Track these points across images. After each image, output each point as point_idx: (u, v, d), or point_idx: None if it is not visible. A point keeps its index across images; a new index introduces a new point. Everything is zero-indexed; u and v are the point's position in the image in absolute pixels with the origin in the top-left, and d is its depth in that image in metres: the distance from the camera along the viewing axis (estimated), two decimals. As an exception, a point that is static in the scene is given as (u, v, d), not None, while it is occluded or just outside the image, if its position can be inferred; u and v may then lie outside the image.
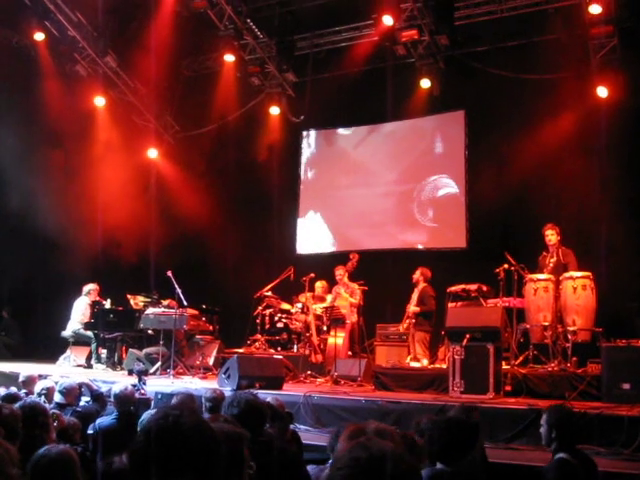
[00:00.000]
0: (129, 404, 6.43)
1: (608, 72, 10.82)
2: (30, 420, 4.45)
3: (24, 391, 6.86)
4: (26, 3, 12.60)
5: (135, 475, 1.94)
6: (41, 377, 7.72)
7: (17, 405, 4.69)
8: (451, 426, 4.00)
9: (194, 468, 1.91)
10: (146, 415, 4.22)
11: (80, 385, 7.12)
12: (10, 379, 8.86)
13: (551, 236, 9.59)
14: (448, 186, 12.98)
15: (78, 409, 6.55)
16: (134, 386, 7.40)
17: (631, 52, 10.71)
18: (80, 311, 12.19)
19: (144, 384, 8.40)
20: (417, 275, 10.94)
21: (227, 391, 6.91)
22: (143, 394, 7.92)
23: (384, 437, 2.42)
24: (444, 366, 9.38)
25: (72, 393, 6.66)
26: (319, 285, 11.68)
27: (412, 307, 10.75)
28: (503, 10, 11.86)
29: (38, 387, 6.82)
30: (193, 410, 2.09)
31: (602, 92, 10.84)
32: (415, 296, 10.83)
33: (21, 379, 7.43)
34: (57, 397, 6.49)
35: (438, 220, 13.01)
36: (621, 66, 10.75)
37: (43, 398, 6.44)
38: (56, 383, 6.98)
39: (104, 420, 6.08)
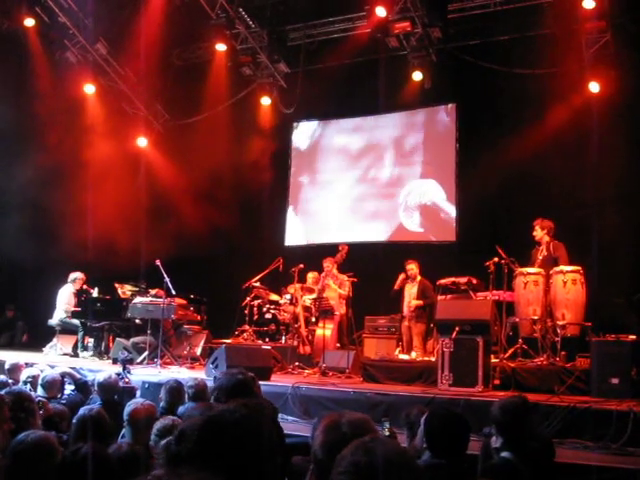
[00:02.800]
0: (113, 393, 6.41)
1: (600, 67, 10.82)
2: (16, 406, 4.41)
3: (10, 380, 6.80)
4: (16, -12, 12.50)
5: (170, 467, 1.89)
6: (27, 365, 7.66)
7: (3, 391, 4.65)
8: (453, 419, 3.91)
9: (235, 470, 1.85)
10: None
11: (63, 375, 7.07)
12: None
13: (535, 231, 9.60)
14: (434, 183, 12.97)
15: (62, 401, 6.49)
16: (118, 375, 7.34)
17: (624, 48, 10.70)
18: (64, 299, 12.13)
19: (129, 373, 8.36)
20: (414, 269, 10.91)
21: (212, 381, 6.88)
22: (127, 383, 7.87)
23: (359, 428, 2.38)
24: (433, 359, 9.38)
25: (54, 386, 6.60)
26: (311, 276, 11.66)
27: (415, 301, 10.73)
28: (496, 4, 11.86)
29: (24, 375, 6.78)
30: (259, 414, 2.02)
31: (594, 87, 10.84)
32: (414, 290, 10.81)
33: (7, 367, 7.37)
34: (39, 391, 6.42)
35: (428, 217, 12.99)
36: (614, 61, 10.75)
37: (29, 386, 6.39)
38: (42, 371, 6.93)
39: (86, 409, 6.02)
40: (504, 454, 4.22)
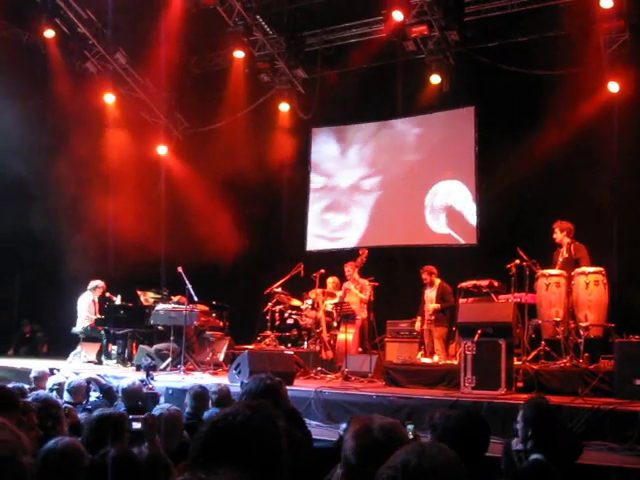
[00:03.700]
0: (137, 399, 6.46)
1: (619, 67, 10.76)
2: (43, 412, 4.47)
3: (31, 387, 6.89)
4: (36, 0, 12.63)
5: (193, 465, 1.91)
6: (52, 371, 7.74)
7: (31, 398, 4.71)
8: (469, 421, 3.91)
9: (254, 468, 1.87)
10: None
11: (88, 381, 7.14)
12: (21, 375, 8.87)
13: (555, 234, 9.55)
14: (459, 185, 12.93)
15: (88, 406, 6.56)
16: (142, 381, 7.40)
17: (643, 47, 10.65)
18: (85, 307, 12.22)
19: (152, 379, 8.42)
20: (425, 276, 10.88)
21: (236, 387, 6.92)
22: (151, 389, 7.93)
23: (391, 432, 2.39)
24: (455, 362, 9.36)
25: (80, 392, 6.67)
26: (331, 281, 11.67)
27: (432, 305, 10.71)
28: (513, 5, 11.82)
29: (50, 382, 6.85)
30: (269, 415, 2.04)
31: (613, 87, 10.79)
32: (433, 294, 10.78)
33: (33, 374, 7.44)
34: (65, 396, 6.49)
35: (454, 219, 12.95)
36: (632, 61, 10.68)
37: (55, 393, 6.46)
38: (67, 378, 7.00)
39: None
40: (535, 456, 4.18)
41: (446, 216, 13.02)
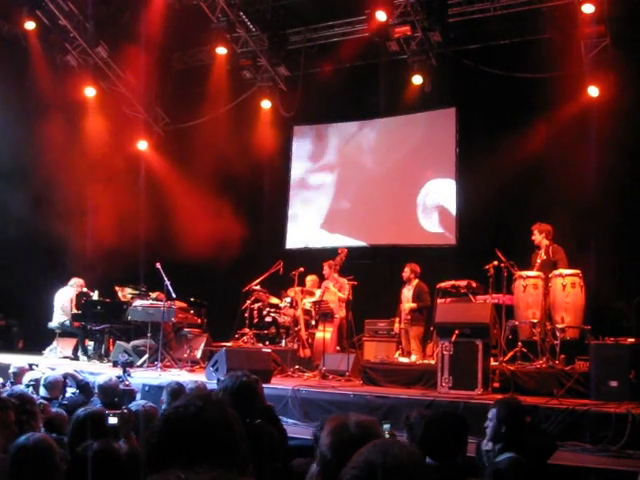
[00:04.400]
0: (113, 395, 6.43)
1: (600, 71, 10.84)
2: (18, 408, 4.43)
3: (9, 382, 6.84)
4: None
5: (150, 461, 1.91)
6: (30, 366, 7.69)
7: (5, 393, 4.67)
8: (448, 420, 3.94)
9: (211, 459, 1.88)
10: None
11: (65, 376, 7.09)
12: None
13: (534, 236, 9.63)
14: (443, 188, 12.96)
15: (64, 402, 6.52)
16: (118, 377, 7.36)
17: (623, 52, 10.73)
18: (64, 303, 12.12)
19: (129, 375, 8.36)
20: (407, 272, 10.94)
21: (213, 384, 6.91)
22: (127, 385, 7.87)
23: (367, 429, 2.40)
24: (432, 362, 9.40)
25: (56, 387, 6.64)
26: (310, 279, 11.66)
27: (408, 304, 10.76)
28: (496, 8, 11.87)
29: (26, 378, 6.80)
30: (219, 404, 2.06)
31: (594, 91, 10.88)
32: (410, 293, 10.83)
33: (12, 370, 7.38)
34: (42, 391, 6.46)
35: (438, 223, 13.00)
36: (613, 66, 10.77)
37: (31, 389, 6.41)
38: (43, 373, 6.96)
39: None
40: (508, 454, 4.22)
41: (438, 214, 13.02)
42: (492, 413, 4.54)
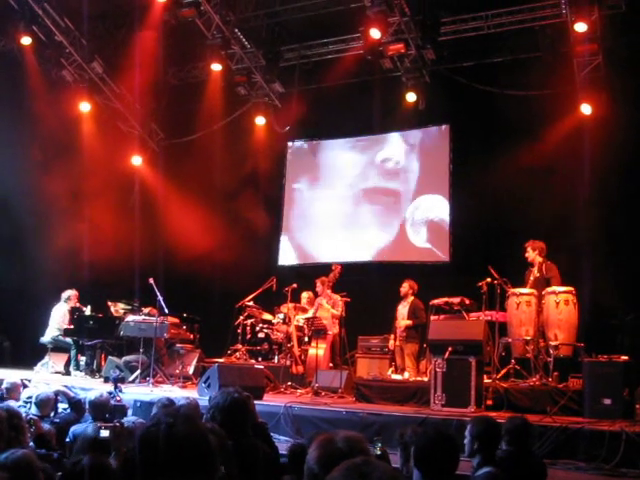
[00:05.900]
0: (104, 411, 6.36)
1: (592, 90, 10.93)
2: (4, 423, 4.39)
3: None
4: (14, 7, 12.53)
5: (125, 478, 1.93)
6: (24, 382, 7.64)
7: (-5, 408, 4.63)
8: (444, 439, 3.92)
9: (186, 473, 1.88)
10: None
11: (56, 393, 7.04)
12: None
13: (527, 253, 9.65)
14: (433, 203, 12.98)
15: (55, 420, 6.47)
16: (110, 393, 7.31)
17: (615, 70, 10.81)
18: (59, 318, 12.06)
19: (120, 391, 8.31)
20: (406, 288, 10.92)
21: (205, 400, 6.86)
22: (119, 401, 7.82)
23: (354, 443, 2.40)
24: (425, 379, 9.37)
25: (47, 404, 6.58)
26: (305, 296, 11.65)
27: (404, 321, 10.74)
28: (489, 27, 11.93)
29: (24, 395, 6.76)
30: (189, 417, 2.06)
31: (586, 109, 10.94)
32: (405, 310, 10.82)
33: (5, 385, 7.32)
34: (33, 409, 6.40)
35: (434, 233, 12.99)
36: (605, 84, 10.85)
37: (29, 406, 6.38)
38: (36, 388, 6.91)
39: (79, 427, 6.00)
40: (486, 469, 4.26)
41: (427, 230, 13.04)
42: (468, 429, 4.60)
